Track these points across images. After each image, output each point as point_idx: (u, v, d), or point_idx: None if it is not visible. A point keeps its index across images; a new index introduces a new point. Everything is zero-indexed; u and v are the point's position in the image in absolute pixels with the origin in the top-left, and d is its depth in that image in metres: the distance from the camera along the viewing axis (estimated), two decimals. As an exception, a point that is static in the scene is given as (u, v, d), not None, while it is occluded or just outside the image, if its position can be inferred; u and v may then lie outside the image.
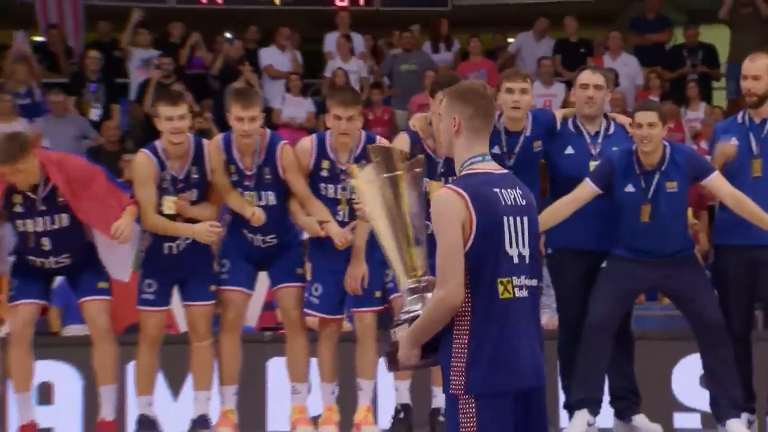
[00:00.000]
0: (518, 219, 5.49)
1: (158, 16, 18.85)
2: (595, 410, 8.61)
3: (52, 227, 8.17)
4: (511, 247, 5.45)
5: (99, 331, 8.41)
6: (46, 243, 8.18)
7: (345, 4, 19.32)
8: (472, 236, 5.40)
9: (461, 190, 5.40)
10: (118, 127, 16.54)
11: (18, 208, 8.11)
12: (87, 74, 17.39)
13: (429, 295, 5.55)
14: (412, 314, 5.58)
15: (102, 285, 8.43)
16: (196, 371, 8.71)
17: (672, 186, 8.25)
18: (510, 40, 19.11)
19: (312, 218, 8.26)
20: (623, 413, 8.90)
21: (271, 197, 8.37)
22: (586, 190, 8.20)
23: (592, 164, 8.46)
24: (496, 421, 5.48)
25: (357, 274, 8.15)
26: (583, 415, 8.55)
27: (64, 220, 8.20)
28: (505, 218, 5.44)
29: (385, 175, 5.70)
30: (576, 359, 8.46)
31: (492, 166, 5.58)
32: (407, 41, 18.20)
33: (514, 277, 5.45)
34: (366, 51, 18.51)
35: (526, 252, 5.51)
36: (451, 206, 5.43)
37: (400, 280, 5.74)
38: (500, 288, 5.43)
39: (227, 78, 17.14)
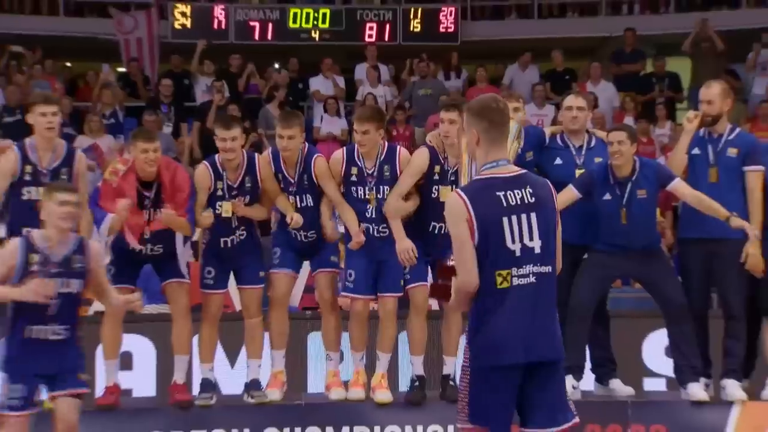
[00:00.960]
0: (523, 216, 5.41)
1: (220, 50, 18.84)
2: (578, 376, 8.61)
3: (155, 220, 8.17)
4: (513, 242, 5.38)
5: (180, 310, 8.44)
6: (147, 233, 8.17)
7: (373, 39, 19.26)
8: (476, 233, 5.36)
9: (462, 194, 5.40)
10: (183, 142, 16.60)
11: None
12: (161, 98, 17.38)
13: None
14: None
15: (183, 270, 8.43)
16: (249, 343, 8.71)
17: (642, 193, 8.32)
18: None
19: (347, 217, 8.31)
20: (602, 378, 8.91)
21: (309, 200, 8.38)
22: (569, 194, 8.25)
23: (578, 172, 8.52)
24: (486, 392, 5.47)
25: (407, 247, 8.12)
26: (569, 380, 8.50)
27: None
28: (504, 218, 5.37)
29: None
30: (562, 334, 8.42)
31: (502, 171, 5.50)
32: (423, 70, 18.20)
33: (514, 268, 5.37)
34: (390, 79, 18.50)
35: (534, 244, 5.42)
36: (454, 207, 5.40)
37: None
38: (498, 279, 5.38)
39: (270, 100, 17.16)
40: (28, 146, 8.27)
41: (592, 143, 8.77)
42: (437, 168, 8.27)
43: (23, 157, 8.20)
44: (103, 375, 8.57)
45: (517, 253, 5.39)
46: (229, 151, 8.28)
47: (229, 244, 8.45)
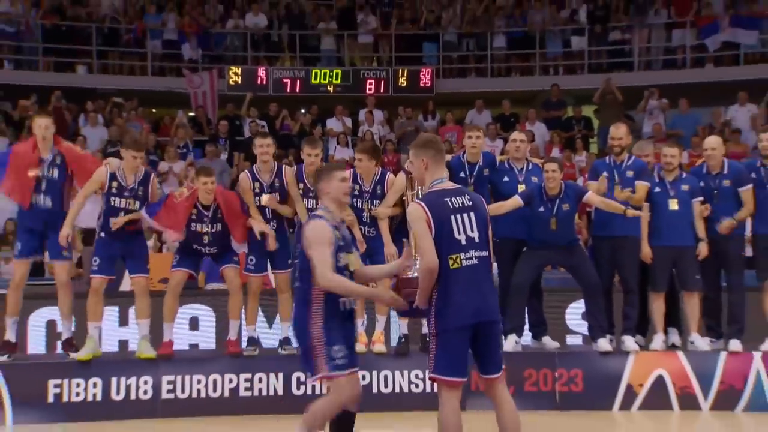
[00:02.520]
0: (465, 215, 5.48)
1: (262, 100, 18.74)
2: (519, 334, 8.67)
3: (213, 230, 8.26)
4: (459, 233, 5.44)
5: (234, 288, 8.44)
6: (207, 239, 8.26)
7: (371, 92, 19.27)
8: (432, 228, 5.41)
9: (421, 202, 5.49)
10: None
11: (194, 216, 8.23)
12: (219, 135, 17.35)
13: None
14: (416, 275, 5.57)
15: (236, 258, 8.46)
16: (282, 311, 8.68)
17: (566, 206, 8.43)
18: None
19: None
20: (537, 336, 8.98)
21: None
22: (515, 202, 8.37)
23: (520, 187, 8.62)
24: (447, 351, 5.48)
25: (392, 252, 8.13)
26: (512, 337, 8.54)
27: (219, 227, 8.27)
28: (452, 216, 5.45)
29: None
30: (507, 305, 8.46)
31: (447, 185, 5.61)
32: (408, 114, 18.20)
33: (462, 253, 5.42)
34: (384, 120, 18.48)
35: (474, 234, 5.47)
36: (415, 211, 5.47)
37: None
38: (450, 262, 5.42)
39: (302, 136, 17.11)
40: (117, 167, 8.25)
41: (530, 167, 8.88)
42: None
43: (111, 174, 8.20)
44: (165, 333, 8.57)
45: (463, 242, 5.44)
46: (264, 154, 8.40)
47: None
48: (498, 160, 8.97)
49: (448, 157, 8.45)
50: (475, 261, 5.45)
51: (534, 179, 8.69)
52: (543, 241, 8.51)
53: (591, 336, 8.75)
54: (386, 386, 8.44)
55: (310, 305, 5.63)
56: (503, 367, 5.62)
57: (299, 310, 5.71)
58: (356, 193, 8.28)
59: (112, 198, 8.19)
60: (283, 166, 8.61)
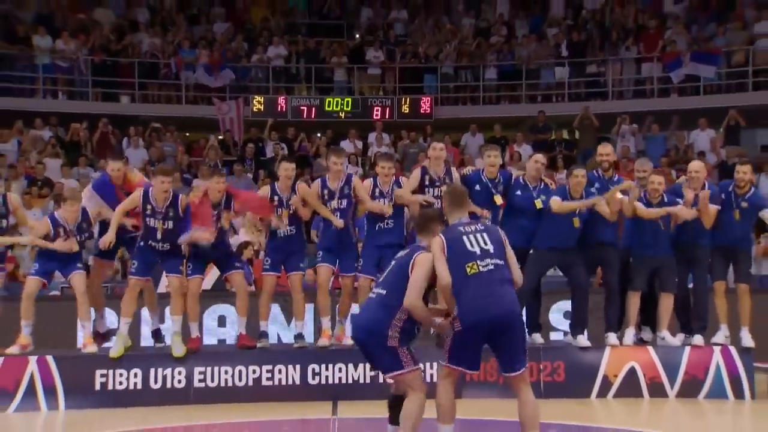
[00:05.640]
0: (477, 235, 5.57)
1: (282, 125, 18.71)
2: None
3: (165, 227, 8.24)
4: (472, 247, 5.50)
5: (241, 290, 8.57)
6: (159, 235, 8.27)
7: (378, 118, 19.24)
8: (446, 250, 5.50)
9: (441, 235, 5.61)
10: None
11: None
12: (245, 155, 17.36)
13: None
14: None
15: (238, 264, 8.72)
16: (296, 310, 8.65)
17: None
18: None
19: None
20: (531, 333, 8.76)
21: (343, 204, 8.41)
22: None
23: (537, 203, 8.59)
24: (462, 344, 5.50)
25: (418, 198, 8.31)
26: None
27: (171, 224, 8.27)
28: (464, 236, 5.53)
29: None
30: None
31: (463, 221, 5.72)
32: (411, 138, 18.19)
33: (478, 261, 5.45)
34: (390, 142, 18.48)
35: (488, 246, 5.51)
36: (437, 242, 5.58)
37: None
38: (467, 269, 5.45)
39: (317, 157, 17.16)
40: (151, 192, 8.22)
41: (542, 185, 8.72)
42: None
43: (145, 197, 8.20)
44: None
45: (478, 252, 5.49)
46: (287, 178, 8.44)
47: (282, 235, 8.44)
48: (513, 176, 8.85)
49: (442, 166, 8.52)
50: (491, 267, 5.46)
51: (543, 197, 8.53)
52: (551, 246, 8.41)
53: (571, 332, 8.71)
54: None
55: (393, 312, 5.56)
56: (524, 366, 5.51)
57: (381, 314, 5.60)
58: (377, 195, 8.40)
59: (147, 218, 8.19)
60: (296, 185, 8.59)
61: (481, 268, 5.43)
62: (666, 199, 8.52)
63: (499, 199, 8.52)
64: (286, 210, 8.40)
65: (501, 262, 5.50)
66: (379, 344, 5.56)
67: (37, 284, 8.37)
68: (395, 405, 5.71)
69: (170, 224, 8.21)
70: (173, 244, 8.29)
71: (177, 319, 8.36)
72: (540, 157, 8.89)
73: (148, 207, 8.19)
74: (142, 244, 8.29)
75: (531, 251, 8.50)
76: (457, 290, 5.45)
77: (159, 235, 8.18)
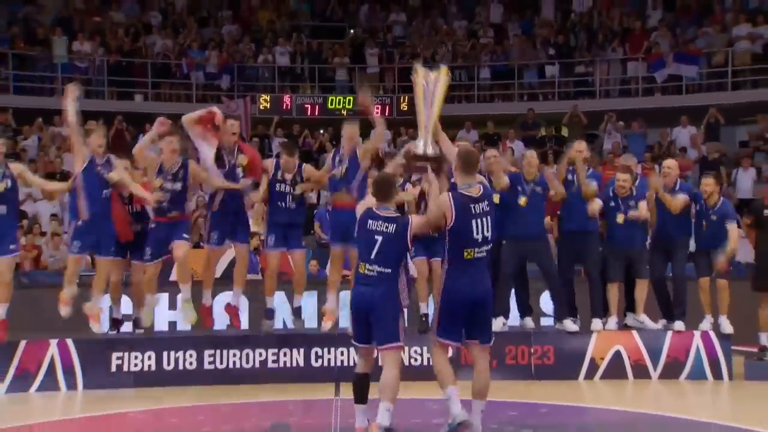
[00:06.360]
0: (483, 219, 5.64)
1: (287, 122, 18.69)
2: (507, 316, 8.61)
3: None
4: (477, 234, 5.60)
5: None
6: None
7: (378, 115, 19.17)
8: (452, 221, 5.59)
9: (450, 197, 5.66)
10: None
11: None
12: (252, 150, 17.37)
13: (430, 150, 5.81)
14: (421, 149, 5.80)
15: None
16: (296, 285, 8.54)
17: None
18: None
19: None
20: (522, 317, 8.85)
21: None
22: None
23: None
24: (449, 319, 5.69)
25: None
26: (500, 319, 8.50)
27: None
28: (473, 221, 5.60)
29: (432, 76, 5.88)
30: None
31: (474, 191, 5.69)
32: (409, 134, 18.09)
33: (476, 248, 5.57)
34: (390, 138, 18.43)
35: (488, 234, 5.64)
36: (443, 200, 5.69)
37: (420, 131, 5.94)
38: (465, 253, 5.58)
39: (321, 152, 17.13)
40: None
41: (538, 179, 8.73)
42: None
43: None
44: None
45: (479, 240, 5.62)
46: (290, 172, 8.23)
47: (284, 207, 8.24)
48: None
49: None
50: (483, 254, 5.66)
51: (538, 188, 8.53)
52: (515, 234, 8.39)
53: (557, 318, 8.75)
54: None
55: (397, 285, 5.71)
56: (490, 342, 5.74)
57: (390, 288, 5.66)
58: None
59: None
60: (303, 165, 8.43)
61: (476, 255, 5.60)
62: (635, 193, 8.55)
63: (496, 198, 8.48)
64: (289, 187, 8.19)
65: (489, 248, 5.72)
66: (387, 315, 5.64)
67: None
68: (362, 384, 5.78)
69: (180, 186, 8.10)
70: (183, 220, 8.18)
71: (186, 288, 8.28)
72: (531, 154, 9.05)
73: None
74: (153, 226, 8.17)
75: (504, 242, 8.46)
76: (451, 269, 5.61)
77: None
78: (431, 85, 5.92)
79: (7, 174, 8.01)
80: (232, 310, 8.52)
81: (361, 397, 5.80)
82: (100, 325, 8.31)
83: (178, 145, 8.22)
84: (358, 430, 5.74)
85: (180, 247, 8.08)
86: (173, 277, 9.22)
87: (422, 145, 5.87)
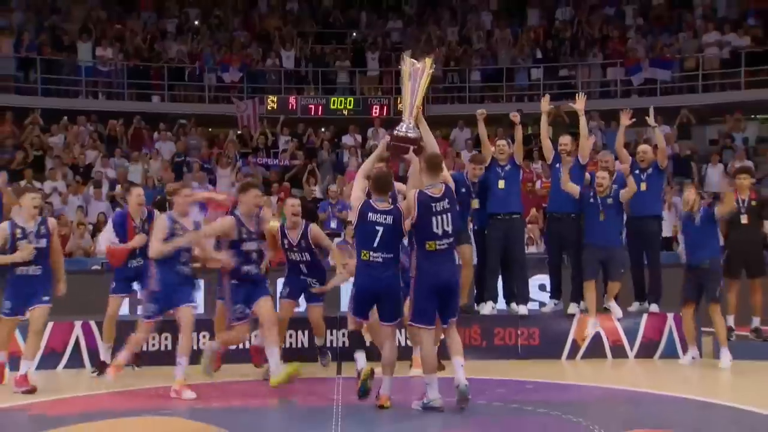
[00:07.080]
0: (443, 216, 5.76)
1: (292, 121, 18.60)
2: (495, 302, 8.61)
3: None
4: (437, 228, 5.72)
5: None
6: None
7: (377, 115, 19.13)
8: (416, 216, 5.75)
9: (418, 195, 5.81)
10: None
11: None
12: (260, 147, 17.27)
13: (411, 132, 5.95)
14: (403, 132, 6.00)
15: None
16: (315, 328, 7.81)
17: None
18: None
19: None
20: (508, 303, 8.79)
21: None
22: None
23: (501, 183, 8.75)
24: (422, 306, 5.80)
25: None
26: (490, 303, 8.51)
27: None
28: (433, 218, 5.74)
29: (418, 66, 6.10)
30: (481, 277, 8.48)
31: (436, 191, 5.83)
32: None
33: (437, 241, 5.69)
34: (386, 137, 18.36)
35: (448, 228, 5.75)
36: (411, 196, 5.84)
37: (404, 113, 6.18)
38: (427, 245, 5.72)
39: (323, 148, 17.09)
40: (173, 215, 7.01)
41: (508, 167, 8.95)
42: None
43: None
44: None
45: (439, 234, 5.74)
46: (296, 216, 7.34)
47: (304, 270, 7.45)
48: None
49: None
50: (446, 246, 5.76)
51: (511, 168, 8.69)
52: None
53: (539, 302, 8.82)
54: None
55: (398, 267, 5.96)
56: (455, 317, 5.98)
57: (395, 271, 5.92)
58: None
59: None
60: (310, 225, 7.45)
61: (437, 247, 5.72)
62: (612, 192, 8.46)
63: (475, 203, 8.45)
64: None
65: (453, 240, 5.83)
66: (396, 294, 5.95)
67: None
68: (360, 341, 6.16)
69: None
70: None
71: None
72: (502, 142, 9.22)
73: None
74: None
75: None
76: (418, 259, 5.76)
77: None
78: (417, 74, 5.99)
79: (42, 232, 6.90)
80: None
81: (360, 343, 6.20)
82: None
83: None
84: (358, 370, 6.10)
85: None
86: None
87: (405, 128, 5.97)
